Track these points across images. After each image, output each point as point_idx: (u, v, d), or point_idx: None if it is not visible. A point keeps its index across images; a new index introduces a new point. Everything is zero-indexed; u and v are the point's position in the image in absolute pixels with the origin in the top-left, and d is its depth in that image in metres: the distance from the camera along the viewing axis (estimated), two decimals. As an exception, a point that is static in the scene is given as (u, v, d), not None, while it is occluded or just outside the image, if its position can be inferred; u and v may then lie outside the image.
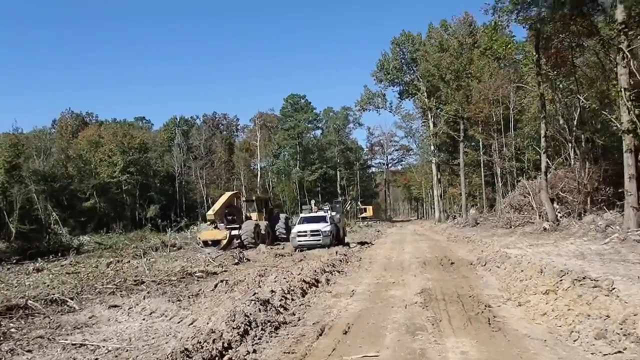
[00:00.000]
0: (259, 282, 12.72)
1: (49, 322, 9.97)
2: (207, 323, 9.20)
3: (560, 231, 24.14)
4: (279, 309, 9.85)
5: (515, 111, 41.99)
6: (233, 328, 7.69)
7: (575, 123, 30.56)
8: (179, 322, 9.86)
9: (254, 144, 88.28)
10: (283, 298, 10.65)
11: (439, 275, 14.33)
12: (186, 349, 6.29)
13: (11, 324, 9.73)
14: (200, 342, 6.69)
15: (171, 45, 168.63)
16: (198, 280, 15.49)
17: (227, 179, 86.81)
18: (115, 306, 11.34)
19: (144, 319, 10.26)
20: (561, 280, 10.20)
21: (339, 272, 16.31)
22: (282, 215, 34.43)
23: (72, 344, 8.21)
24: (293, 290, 11.63)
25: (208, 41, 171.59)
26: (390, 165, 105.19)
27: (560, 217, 26.52)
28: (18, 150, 69.19)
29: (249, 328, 8.00)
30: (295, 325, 8.86)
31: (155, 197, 78.65)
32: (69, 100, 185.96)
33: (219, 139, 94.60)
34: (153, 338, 8.59)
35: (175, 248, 29.90)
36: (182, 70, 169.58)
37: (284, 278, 12.57)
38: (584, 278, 9.30)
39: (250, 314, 8.64)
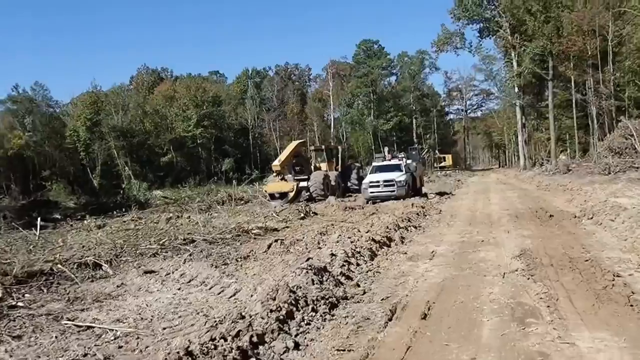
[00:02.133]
0: (319, 242, 10.73)
1: (69, 293, 8.44)
2: (252, 295, 7.38)
3: (678, 176, 20.68)
4: (338, 278, 7.83)
5: (614, 43, 37.26)
6: (271, 311, 5.72)
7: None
8: (219, 294, 8.07)
9: (326, 93, 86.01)
10: (345, 263, 8.62)
11: (537, 232, 11.81)
12: (189, 352, 4.33)
13: (27, 296, 8.24)
14: (213, 340, 4.73)
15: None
16: (255, 238, 13.72)
17: (300, 130, 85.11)
18: (151, 272, 9.70)
19: (179, 289, 8.54)
20: None
21: (415, 227, 14.11)
22: (355, 165, 32.24)
23: (77, 326, 6.55)
24: (359, 252, 9.57)
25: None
26: (469, 111, 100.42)
27: (676, 160, 22.84)
28: (98, 107, 70.89)
29: (294, 309, 6.02)
30: (358, 302, 6.82)
31: (230, 150, 78.42)
32: (146, 57, 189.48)
33: (291, 90, 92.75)
34: (180, 317, 6.82)
35: (242, 202, 28.59)
36: (255, 23, 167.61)
37: (349, 237, 10.47)
38: None
39: (299, 288, 6.66)
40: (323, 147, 31.56)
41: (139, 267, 10.28)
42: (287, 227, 15.94)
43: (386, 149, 28.11)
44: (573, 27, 40.19)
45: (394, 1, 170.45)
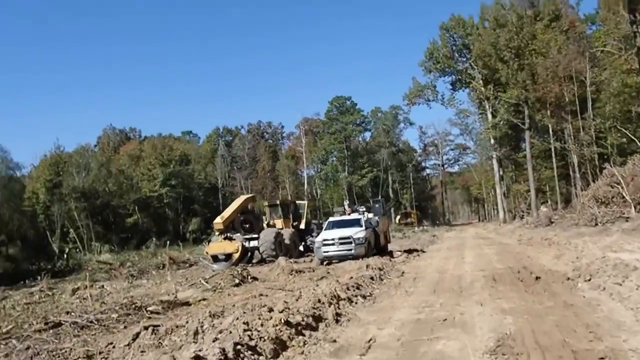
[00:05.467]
0: (196, 333, 7.25)
1: None
2: None
3: (679, 226, 17.79)
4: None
5: (592, 89, 35.23)
6: None
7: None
8: None
9: (299, 150, 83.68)
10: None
11: (521, 303, 8.59)
12: None
13: None
14: None
15: (215, 60, 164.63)
16: (149, 318, 10.28)
17: (272, 188, 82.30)
18: None
19: None
20: None
21: (364, 297, 10.77)
22: (314, 222, 28.79)
23: None
24: (255, 346, 6.22)
25: (251, 55, 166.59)
26: (446, 166, 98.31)
27: (674, 207, 20.04)
28: (59, 169, 68.12)
29: None
30: None
31: (199, 209, 75.47)
32: (116, 119, 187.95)
33: (263, 148, 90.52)
34: None
35: (186, 265, 25.08)
36: (228, 83, 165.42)
37: (244, 323, 7.01)
38: None
39: None
40: (278, 202, 28.19)
41: None
42: (204, 299, 12.49)
43: (346, 202, 25.00)
44: (548, 73, 38.21)
45: (365, 59, 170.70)
